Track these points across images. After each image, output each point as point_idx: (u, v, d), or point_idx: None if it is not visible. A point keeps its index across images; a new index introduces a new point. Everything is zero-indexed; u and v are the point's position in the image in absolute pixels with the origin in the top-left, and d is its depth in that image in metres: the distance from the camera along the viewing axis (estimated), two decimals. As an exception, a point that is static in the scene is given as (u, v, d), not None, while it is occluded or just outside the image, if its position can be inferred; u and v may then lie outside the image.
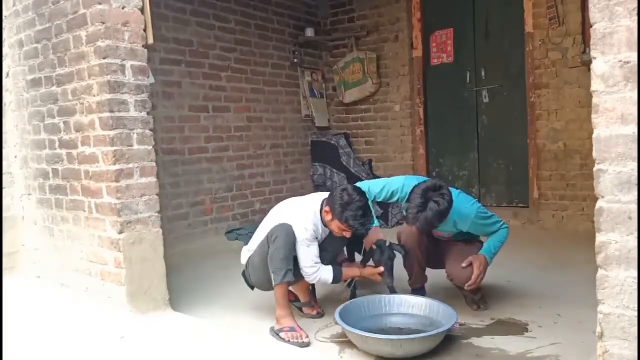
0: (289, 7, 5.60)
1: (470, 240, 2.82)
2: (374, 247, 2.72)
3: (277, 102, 5.48)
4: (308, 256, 2.51)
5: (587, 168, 4.40)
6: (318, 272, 2.54)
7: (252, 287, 2.75)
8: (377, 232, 2.79)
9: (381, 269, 2.65)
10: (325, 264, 2.61)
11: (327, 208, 2.53)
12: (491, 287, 3.01)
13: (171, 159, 4.42)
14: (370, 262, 2.78)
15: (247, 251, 2.70)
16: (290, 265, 2.46)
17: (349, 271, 2.71)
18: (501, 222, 2.73)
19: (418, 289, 2.90)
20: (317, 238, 2.57)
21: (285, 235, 2.44)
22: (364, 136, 5.80)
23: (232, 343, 2.39)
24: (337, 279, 2.61)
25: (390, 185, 2.74)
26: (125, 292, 2.69)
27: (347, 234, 2.55)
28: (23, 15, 3.23)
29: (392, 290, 2.77)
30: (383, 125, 5.66)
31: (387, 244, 2.72)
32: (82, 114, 2.84)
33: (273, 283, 2.47)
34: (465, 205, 2.62)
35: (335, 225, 2.52)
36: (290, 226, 2.47)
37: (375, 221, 2.82)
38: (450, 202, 2.45)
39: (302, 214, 2.55)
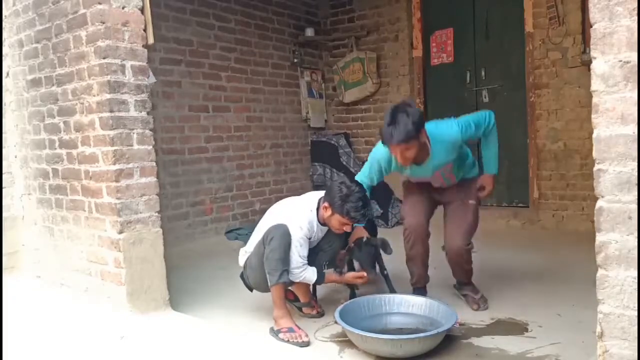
0: (289, 7, 5.60)
1: (469, 183, 2.82)
2: (352, 245, 2.71)
3: (277, 102, 5.48)
4: (297, 256, 2.50)
5: (587, 168, 4.40)
6: (304, 272, 2.54)
7: (250, 289, 2.74)
8: (361, 231, 2.78)
9: (363, 274, 2.63)
10: (322, 265, 2.61)
11: (325, 204, 2.53)
12: (491, 287, 3.01)
13: (171, 159, 4.43)
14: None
15: (245, 253, 2.69)
16: (287, 266, 2.46)
17: (331, 275, 2.68)
18: (485, 115, 2.75)
19: (420, 289, 2.89)
20: (310, 238, 2.57)
21: (281, 236, 2.44)
22: (364, 136, 5.80)
23: (232, 343, 2.39)
24: (319, 281, 2.62)
25: (473, 119, 2.72)
26: (125, 292, 2.69)
27: (348, 228, 2.55)
28: (23, 15, 3.23)
29: (388, 282, 2.83)
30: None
31: (364, 240, 2.71)
32: (82, 114, 2.84)
33: (269, 284, 2.47)
34: (448, 132, 2.59)
35: (335, 221, 2.52)
36: (286, 227, 2.47)
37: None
38: (418, 112, 2.43)
39: (298, 213, 2.55)
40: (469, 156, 2.83)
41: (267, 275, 2.46)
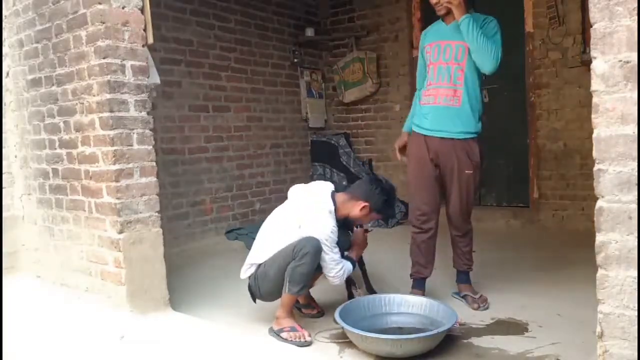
0: (289, 7, 5.60)
1: (467, 146, 2.78)
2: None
3: (277, 102, 5.48)
4: (334, 262, 2.51)
5: (587, 168, 4.40)
6: (342, 269, 2.55)
7: (254, 300, 2.69)
8: None
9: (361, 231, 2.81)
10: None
11: (365, 210, 2.60)
12: (491, 287, 3.02)
13: (171, 159, 4.42)
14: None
15: (249, 266, 2.62)
16: (309, 282, 2.50)
17: (352, 253, 2.76)
18: (497, 48, 2.92)
19: (420, 281, 2.86)
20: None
21: (314, 254, 2.41)
22: (364, 136, 5.80)
23: (232, 343, 2.39)
24: (354, 264, 2.69)
25: (496, 41, 2.99)
26: (126, 292, 2.69)
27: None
28: (23, 15, 3.23)
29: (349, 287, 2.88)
30: (383, 125, 5.65)
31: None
32: (82, 114, 2.84)
33: (286, 291, 2.44)
34: (482, 15, 2.99)
35: (367, 217, 2.68)
36: (319, 242, 2.44)
37: None
38: None
39: (323, 220, 2.50)
40: (480, 93, 2.97)
41: (287, 283, 2.43)
